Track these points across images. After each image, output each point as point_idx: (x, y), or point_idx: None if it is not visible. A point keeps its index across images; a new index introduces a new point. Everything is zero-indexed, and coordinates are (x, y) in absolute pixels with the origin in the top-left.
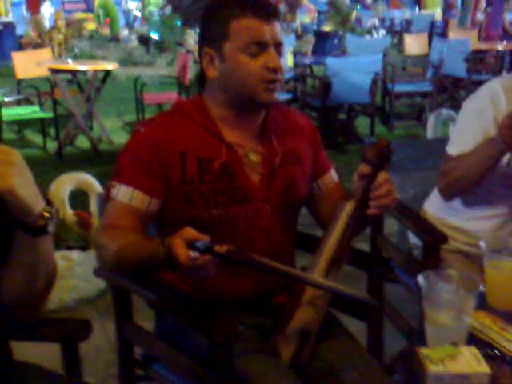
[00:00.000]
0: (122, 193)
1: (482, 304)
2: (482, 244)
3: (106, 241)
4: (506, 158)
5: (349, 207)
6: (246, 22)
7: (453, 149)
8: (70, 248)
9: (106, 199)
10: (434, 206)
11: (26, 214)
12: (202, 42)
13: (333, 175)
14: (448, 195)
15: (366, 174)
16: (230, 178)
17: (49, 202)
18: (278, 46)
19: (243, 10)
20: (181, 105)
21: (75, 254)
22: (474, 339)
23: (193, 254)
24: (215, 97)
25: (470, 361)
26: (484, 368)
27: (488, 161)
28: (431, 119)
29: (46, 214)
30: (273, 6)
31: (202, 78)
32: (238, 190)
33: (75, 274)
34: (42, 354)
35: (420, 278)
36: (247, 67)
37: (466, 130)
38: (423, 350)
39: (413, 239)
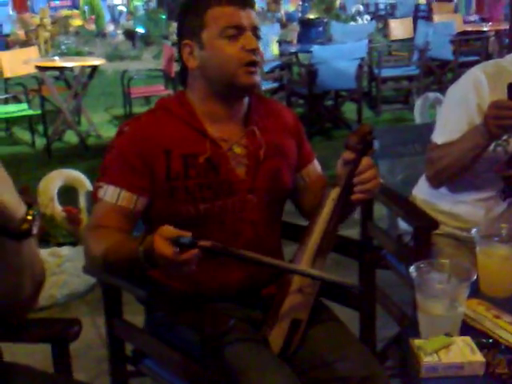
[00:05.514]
0: (109, 193)
1: (475, 291)
2: (474, 231)
3: (92, 242)
4: (491, 145)
5: (334, 194)
6: (221, 9)
7: (438, 137)
8: (59, 244)
9: (93, 200)
10: (422, 192)
11: (9, 220)
12: (181, 35)
13: (316, 165)
14: (437, 183)
15: (350, 160)
16: (215, 172)
17: (29, 204)
18: (255, 29)
19: (218, 0)
20: (164, 102)
21: (65, 250)
22: (467, 328)
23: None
24: (197, 89)
25: (463, 350)
26: (478, 357)
27: (475, 150)
28: (418, 103)
29: (29, 217)
30: None
31: (182, 73)
32: (223, 183)
33: (65, 270)
34: (32, 353)
35: (412, 270)
36: (226, 50)
37: (450, 118)
38: (417, 342)
39: (403, 225)
